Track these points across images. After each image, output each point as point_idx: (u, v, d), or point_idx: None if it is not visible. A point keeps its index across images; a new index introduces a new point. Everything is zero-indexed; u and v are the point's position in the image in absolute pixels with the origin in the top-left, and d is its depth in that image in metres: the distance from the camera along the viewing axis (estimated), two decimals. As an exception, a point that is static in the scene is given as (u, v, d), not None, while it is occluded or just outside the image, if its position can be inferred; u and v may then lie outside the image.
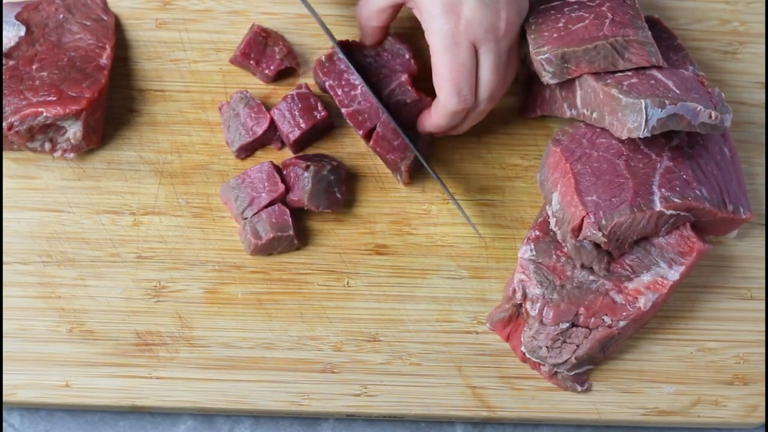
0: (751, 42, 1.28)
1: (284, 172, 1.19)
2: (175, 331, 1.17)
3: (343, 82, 1.18)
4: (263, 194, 1.17)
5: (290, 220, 1.17)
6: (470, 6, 1.12)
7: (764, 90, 1.26)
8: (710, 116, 1.11)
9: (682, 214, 1.14)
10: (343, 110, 1.18)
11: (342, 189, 1.19)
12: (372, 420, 1.19)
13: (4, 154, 1.21)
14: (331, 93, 1.19)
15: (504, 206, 1.22)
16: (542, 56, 1.15)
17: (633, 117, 1.11)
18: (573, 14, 1.17)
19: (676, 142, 1.16)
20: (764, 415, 1.18)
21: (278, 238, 1.17)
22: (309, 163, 1.17)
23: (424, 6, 1.13)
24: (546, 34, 1.16)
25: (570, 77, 1.15)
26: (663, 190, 1.14)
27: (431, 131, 1.19)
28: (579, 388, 1.17)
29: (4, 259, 1.18)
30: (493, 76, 1.14)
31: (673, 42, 1.21)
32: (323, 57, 1.19)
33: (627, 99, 1.11)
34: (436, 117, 1.16)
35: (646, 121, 1.10)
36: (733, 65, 1.27)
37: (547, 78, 1.16)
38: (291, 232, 1.17)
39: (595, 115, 1.15)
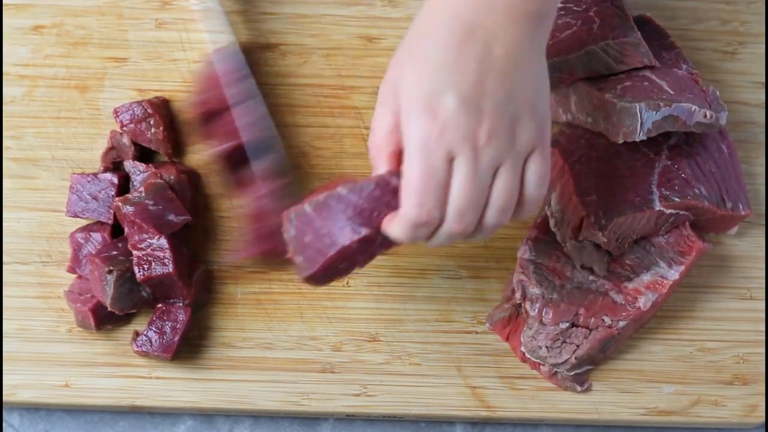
0: (751, 42, 1.28)
1: (87, 266, 1.15)
2: (174, 331, 1.17)
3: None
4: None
5: (93, 322, 1.14)
6: (449, 107, 0.96)
7: (764, 90, 1.26)
8: (705, 116, 1.11)
9: (682, 213, 1.14)
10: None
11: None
12: (372, 420, 1.19)
13: (4, 154, 1.21)
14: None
15: (504, 206, 1.22)
16: None
17: (628, 121, 1.11)
18: (560, 21, 1.17)
19: (673, 140, 1.16)
20: (764, 415, 1.18)
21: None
22: (111, 266, 1.12)
23: (402, 104, 0.98)
24: (534, 44, 1.16)
25: (562, 85, 1.15)
26: (662, 189, 1.14)
27: (393, 238, 1.01)
28: (579, 388, 1.17)
29: (4, 259, 1.18)
30: (464, 191, 0.97)
31: (666, 40, 1.20)
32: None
33: (621, 103, 1.11)
34: (396, 225, 0.99)
35: (641, 124, 1.10)
36: (733, 65, 1.27)
37: None
38: (94, 330, 1.15)
39: (590, 119, 1.15)
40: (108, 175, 1.17)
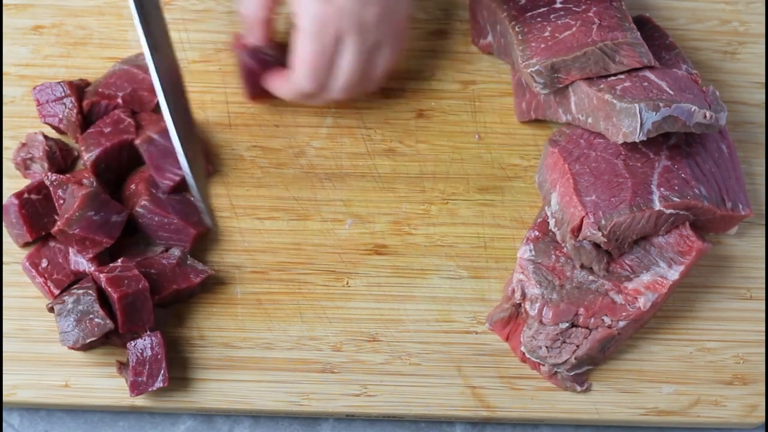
0: (751, 42, 1.28)
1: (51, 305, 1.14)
2: (174, 331, 1.17)
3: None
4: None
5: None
6: None
7: (764, 90, 1.26)
8: (705, 116, 1.11)
9: (682, 213, 1.14)
10: None
11: (105, 312, 1.11)
12: (372, 420, 1.19)
13: (4, 154, 1.21)
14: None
15: (503, 206, 1.22)
16: (532, 68, 1.15)
17: (628, 121, 1.11)
18: (559, 21, 1.17)
19: (673, 141, 1.17)
20: (764, 415, 1.18)
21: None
22: (50, 304, 1.12)
23: None
24: (534, 44, 1.16)
25: (561, 85, 1.16)
26: (662, 189, 1.14)
27: (277, 96, 1.20)
28: (578, 388, 1.17)
29: (4, 259, 1.18)
30: (352, 68, 1.14)
31: (665, 40, 1.21)
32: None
33: (621, 104, 1.11)
34: (285, 90, 1.18)
35: (641, 125, 1.10)
36: (733, 65, 1.27)
37: (538, 89, 1.16)
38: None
39: (590, 120, 1.15)
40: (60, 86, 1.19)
